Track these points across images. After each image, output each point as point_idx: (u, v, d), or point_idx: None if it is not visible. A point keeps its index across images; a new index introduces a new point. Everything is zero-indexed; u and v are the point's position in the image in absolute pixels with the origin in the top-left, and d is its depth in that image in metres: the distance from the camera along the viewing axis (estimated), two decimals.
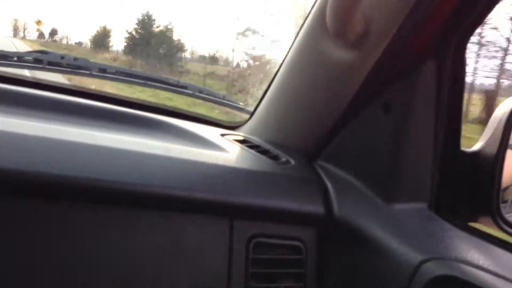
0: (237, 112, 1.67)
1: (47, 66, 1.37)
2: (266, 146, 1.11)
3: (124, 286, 0.75)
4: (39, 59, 1.39)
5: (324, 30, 0.97)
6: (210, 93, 1.58)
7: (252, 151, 1.07)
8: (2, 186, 0.68)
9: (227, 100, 1.59)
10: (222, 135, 1.19)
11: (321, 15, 0.98)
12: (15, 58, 1.38)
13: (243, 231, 0.85)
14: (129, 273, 0.75)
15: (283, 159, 1.03)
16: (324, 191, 0.96)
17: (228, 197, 0.83)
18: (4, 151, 0.71)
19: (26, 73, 1.51)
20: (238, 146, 1.09)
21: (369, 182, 0.94)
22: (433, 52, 0.86)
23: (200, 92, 1.56)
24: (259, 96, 1.52)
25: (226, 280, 0.82)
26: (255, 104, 1.54)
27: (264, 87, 1.41)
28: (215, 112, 1.63)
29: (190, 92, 1.53)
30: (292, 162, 1.02)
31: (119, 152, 0.81)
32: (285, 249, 0.90)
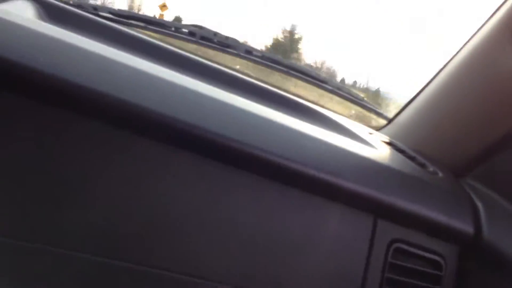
0: (374, 116, 1.61)
1: (199, 41, 1.41)
2: (412, 153, 1.05)
3: (254, 259, 0.73)
4: (193, 32, 1.44)
5: (506, 38, 0.88)
6: (349, 92, 1.53)
7: (400, 154, 1.01)
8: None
9: (367, 103, 1.52)
10: (370, 133, 1.15)
11: (506, 21, 0.89)
12: (172, 28, 1.45)
13: (386, 232, 0.81)
14: (264, 246, 0.74)
15: (431, 169, 0.96)
16: (474, 210, 0.88)
17: (377, 193, 0.78)
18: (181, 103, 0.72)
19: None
20: (387, 147, 1.05)
21: None
22: None
23: (339, 89, 1.51)
24: (401, 104, 1.44)
25: (361, 279, 0.78)
26: (395, 111, 1.46)
27: (411, 93, 1.34)
28: (352, 112, 1.57)
29: (330, 87, 1.49)
30: (440, 174, 0.95)
31: (277, 126, 0.80)
32: (424, 261, 0.84)
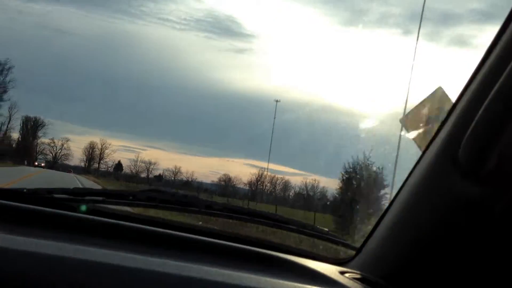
0: (342, 248, 1.61)
1: (159, 204, 1.42)
2: (387, 285, 1.04)
3: None
4: (152, 197, 1.46)
5: (453, 162, 0.93)
6: (314, 228, 1.55)
7: None
8: None
9: (332, 236, 1.54)
10: (341, 272, 1.13)
11: (450, 146, 0.94)
12: (130, 197, 1.46)
13: None
14: None
15: None
16: None
17: None
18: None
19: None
20: (359, 285, 1.03)
21: None
22: None
23: (304, 227, 1.53)
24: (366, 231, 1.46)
25: None
26: (361, 240, 1.48)
27: (373, 222, 1.37)
28: (319, 248, 1.58)
29: (294, 227, 1.51)
30: None
31: None
32: None
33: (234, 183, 57.32)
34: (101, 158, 65.10)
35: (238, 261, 1.06)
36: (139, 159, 63.63)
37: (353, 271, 1.18)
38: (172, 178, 60.75)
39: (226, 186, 56.32)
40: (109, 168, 64.56)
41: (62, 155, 64.56)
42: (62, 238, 0.93)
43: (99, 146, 64.34)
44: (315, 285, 0.95)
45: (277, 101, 44.13)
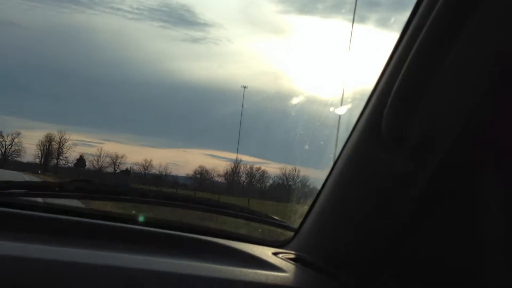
0: (280, 230, 1.61)
1: (88, 195, 1.35)
2: (321, 264, 1.04)
3: None
4: (81, 188, 1.38)
5: (377, 136, 0.94)
6: (252, 212, 1.53)
7: (308, 269, 1.00)
8: None
9: (270, 218, 1.53)
10: (275, 254, 1.12)
11: (374, 120, 0.95)
12: (56, 188, 1.38)
13: None
14: None
15: (343, 278, 0.95)
16: None
17: None
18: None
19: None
20: (293, 265, 1.03)
21: None
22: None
23: (242, 211, 1.51)
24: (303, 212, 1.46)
25: None
26: (299, 220, 1.48)
27: (309, 202, 1.36)
28: (258, 231, 1.56)
29: (233, 212, 1.48)
30: (352, 281, 0.94)
31: (165, 276, 0.79)
32: None
33: (211, 175, 53.84)
34: (59, 153, 57.94)
35: (168, 248, 1.03)
36: (102, 153, 57.85)
37: (287, 251, 1.18)
38: (143, 172, 55.47)
39: (202, 179, 52.56)
40: (70, 164, 57.39)
41: (13, 151, 57.06)
42: None
43: (57, 139, 57.07)
44: (245, 268, 0.93)
45: (244, 87, 43.73)
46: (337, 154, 1.18)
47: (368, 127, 0.97)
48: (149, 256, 0.91)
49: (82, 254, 0.83)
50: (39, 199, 1.31)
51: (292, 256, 1.12)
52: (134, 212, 1.42)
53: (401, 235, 0.96)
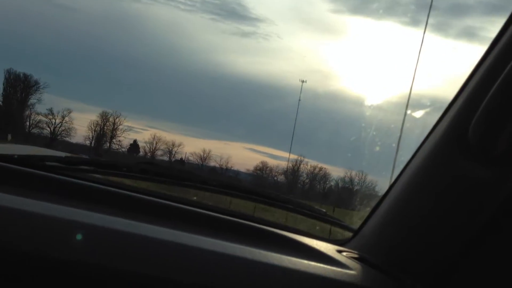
0: (338, 229, 1.58)
1: (154, 177, 1.38)
2: (386, 266, 1.01)
3: None
4: (146, 170, 1.41)
5: (461, 143, 0.91)
6: (311, 208, 1.51)
7: (373, 270, 0.98)
8: None
9: (330, 217, 1.50)
10: (339, 251, 1.11)
11: (459, 128, 0.92)
12: (124, 169, 1.41)
13: None
14: None
15: (408, 282, 0.92)
16: None
17: None
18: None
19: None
20: (358, 264, 1.01)
21: None
22: None
23: (302, 207, 1.49)
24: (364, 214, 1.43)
25: None
26: (359, 221, 1.45)
27: (373, 204, 1.33)
28: (316, 229, 1.55)
29: (291, 207, 1.47)
30: (420, 286, 0.92)
31: (234, 260, 0.82)
32: None
33: (273, 173, 48.93)
34: (113, 135, 51.64)
35: (232, 234, 1.05)
36: (156, 139, 52.21)
37: (350, 250, 1.16)
38: (199, 163, 50.20)
39: (263, 176, 48.13)
40: (123, 149, 51.62)
41: (63, 130, 50.02)
42: (50, 200, 0.90)
43: (112, 120, 51.09)
44: (311, 262, 0.92)
45: (303, 81, 42.76)
46: (398, 159, 1.15)
47: (450, 134, 0.94)
48: (219, 240, 0.94)
49: (165, 233, 0.85)
50: (108, 177, 1.36)
51: (355, 255, 1.11)
52: (195, 198, 1.44)
53: (469, 247, 0.92)
